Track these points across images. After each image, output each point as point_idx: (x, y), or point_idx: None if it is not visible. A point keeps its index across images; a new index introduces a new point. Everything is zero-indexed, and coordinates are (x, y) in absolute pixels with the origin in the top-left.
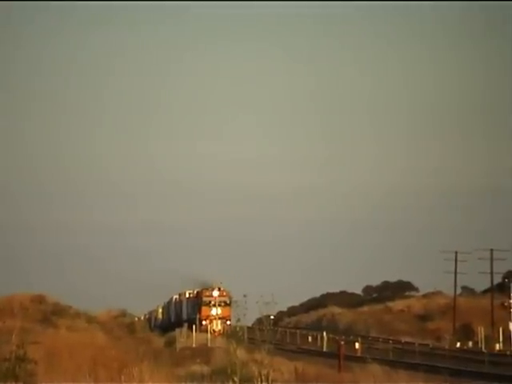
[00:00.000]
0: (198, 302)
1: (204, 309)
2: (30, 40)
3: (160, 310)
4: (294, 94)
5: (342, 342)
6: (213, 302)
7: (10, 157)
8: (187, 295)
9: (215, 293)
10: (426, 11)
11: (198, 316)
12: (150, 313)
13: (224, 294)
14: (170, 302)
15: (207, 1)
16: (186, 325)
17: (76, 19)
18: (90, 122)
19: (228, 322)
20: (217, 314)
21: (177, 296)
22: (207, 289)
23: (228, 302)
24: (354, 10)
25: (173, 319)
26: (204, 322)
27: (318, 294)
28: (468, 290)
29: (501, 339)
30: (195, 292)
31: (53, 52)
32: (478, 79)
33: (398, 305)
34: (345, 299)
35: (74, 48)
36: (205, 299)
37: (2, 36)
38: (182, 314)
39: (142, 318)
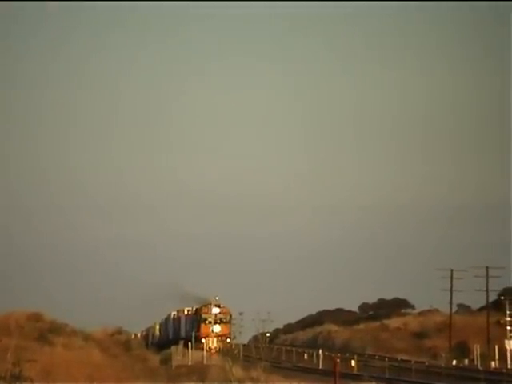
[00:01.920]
0: (196, 319)
1: (203, 326)
2: (39, 50)
3: (157, 327)
4: (291, 105)
5: (338, 360)
6: (211, 320)
7: (23, 172)
8: (186, 312)
9: (215, 310)
10: (420, 23)
11: (197, 333)
12: (148, 329)
13: (224, 311)
14: (167, 319)
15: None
16: (182, 342)
17: (86, 30)
18: (99, 135)
19: (228, 340)
20: (216, 332)
21: (175, 312)
22: (206, 306)
23: (228, 319)
24: (342, 19)
25: (171, 336)
26: (203, 340)
27: (314, 312)
28: (464, 308)
29: (497, 357)
30: (194, 309)
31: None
32: (473, 91)
33: (394, 322)
34: (341, 317)
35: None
36: (204, 316)
37: (12, 44)
38: (181, 331)
39: (139, 334)
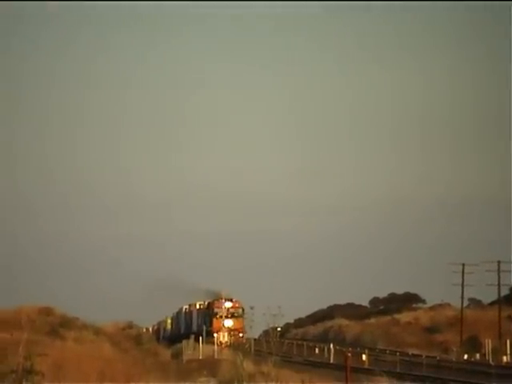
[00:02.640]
0: (209, 314)
1: (216, 321)
2: (47, 50)
3: (169, 321)
4: (289, 100)
5: (349, 354)
6: (225, 314)
7: (30, 169)
8: (197, 306)
9: (227, 304)
10: (414, 19)
11: (209, 328)
12: (159, 323)
13: (237, 305)
14: (179, 313)
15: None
16: (192, 336)
17: (93, 30)
18: (106, 134)
19: (241, 335)
20: (228, 326)
21: (187, 306)
22: (218, 300)
23: (240, 313)
24: (338, 17)
25: (183, 330)
26: (216, 335)
27: (325, 306)
28: (475, 302)
29: (508, 351)
30: (206, 303)
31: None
32: (470, 87)
33: (405, 317)
34: (352, 311)
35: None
36: (216, 311)
37: (19, 44)
38: (193, 326)
39: (151, 329)
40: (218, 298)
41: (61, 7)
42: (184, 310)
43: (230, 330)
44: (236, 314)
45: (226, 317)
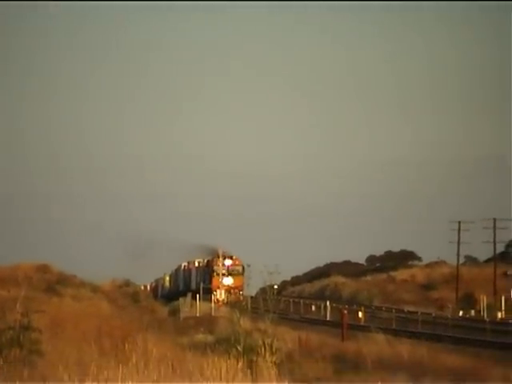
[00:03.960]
0: (208, 271)
1: (215, 278)
2: (57, 43)
3: (167, 278)
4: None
5: (345, 312)
6: (224, 272)
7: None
8: (196, 264)
9: (227, 262)
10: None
11: (208, 286)
12: (157, 281)
13: (237, 262)
14: (178, 270)
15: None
16: (190, 294)
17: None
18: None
19: (241, 293)
20: (228, 284)
21: (185, 264)
22: (218, 257)
23: (240, 271)
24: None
25: (181, 288)
26: (215, 293)
27: (321, 264)
28: (471, 260)
29: (503, 308)
30: (205, 261)
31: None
32: (475, 54)
33: (401, 274)
34: (348, 269)
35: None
36: (216, 268)
37: (35, 40)
38: (191, 283)
39: (148, 286)
40: (217, 255)
41: (76, 5)
42: (183, 267)
43: (229, 287)
44: (235, 272)
45: (224, 275)
